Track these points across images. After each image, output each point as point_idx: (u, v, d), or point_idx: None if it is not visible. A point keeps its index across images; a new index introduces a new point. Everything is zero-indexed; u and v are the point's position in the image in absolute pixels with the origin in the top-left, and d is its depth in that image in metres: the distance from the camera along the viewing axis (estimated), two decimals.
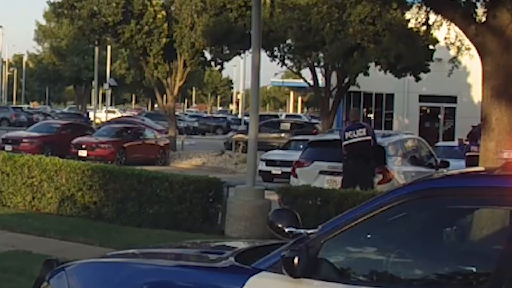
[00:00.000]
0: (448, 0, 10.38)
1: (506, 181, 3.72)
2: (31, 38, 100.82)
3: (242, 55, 34.63)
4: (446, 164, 15.24)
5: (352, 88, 33.34)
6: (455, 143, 27.25)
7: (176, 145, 33.33)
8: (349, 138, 13.46)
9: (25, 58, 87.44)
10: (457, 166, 15.90)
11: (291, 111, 77.36)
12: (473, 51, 11.24)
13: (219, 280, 4.05)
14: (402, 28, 26.36)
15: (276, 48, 31.07)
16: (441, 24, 11.86)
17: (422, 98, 43.05)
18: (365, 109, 44.52)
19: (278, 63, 31.29)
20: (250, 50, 13.82)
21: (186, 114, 73.46)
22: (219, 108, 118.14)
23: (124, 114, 64.06)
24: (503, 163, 3.92)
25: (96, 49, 43.93)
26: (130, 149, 27.51)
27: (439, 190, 3.80)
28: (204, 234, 11.07)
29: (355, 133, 13.46)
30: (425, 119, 44.20)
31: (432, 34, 23.49)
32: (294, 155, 17.82)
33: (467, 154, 18.59)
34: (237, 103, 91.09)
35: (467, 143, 20.02)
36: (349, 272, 3.79)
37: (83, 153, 26.20)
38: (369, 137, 13.45)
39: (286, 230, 3.92)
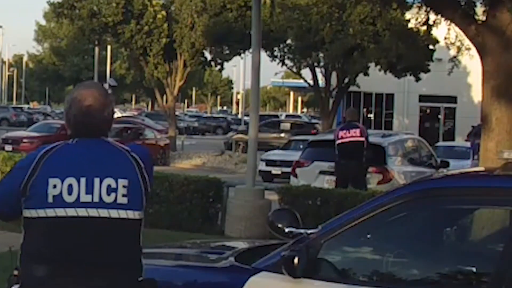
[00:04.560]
0: (448, 0, 10.38)
1: (506, 181, 3.73)
2: (31, 38, 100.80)
3: (242, 55, 34.65)
4: (446, 164, 15.24)
5: (352, 88, 33.34)
6: (455, 143, 27.28)
7: (176, 145, 33.32)
8: (342, 138, 13.42)
9: (25, 58, 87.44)
10: (457, 166, 15.90)
11: (291, 111, 77.36)
12: (473, 51, 11.24)
13: (219, 280, 4.05)
14: (402, 28, 26.39)
15: (276, 48, 31.08)
16: (440, 22, 11.83)
17: (422, 98, 43.05)
18: (365, 109, 44.53)
19: (278, 63, 31.32)
20: (250, 50, 13.82)
21: (186, 114, 73.46)
22: (219, 108, 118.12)
23: (124, 114, 64.08)
24: (503, 163, 3.92)
25: (96, 49, 43.93)
26: None
27: (439, 190, 3.80)
28: (204, 234, 11.06)
29: (349, 132, 13.38)
30: (425, 119, 44.20)
31: (432, 34, 23.50)
32: (294, 155, 17.81)
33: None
34: (237, 103, 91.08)
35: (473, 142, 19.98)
36: (349, 272, 3.80)
37: None
38: (362, 138, 13.35)
39: (286, 230, 3.92)
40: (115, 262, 3.17)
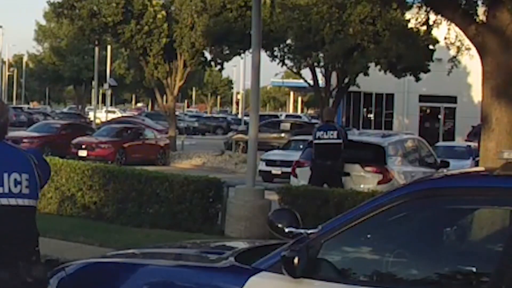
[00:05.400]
0: (448, 0, 10.37)
1: (506, 181, 3.72)
2: (31, 38, 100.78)
3: (242, 55, 34.63)
4: (446, 164, 15.24)
5: (352, 88, 33.36)
6: (455, 143, 27.27)
7: (176, 145, 33.32)
8: (319, 138, 13.43)
9: (25, 58, 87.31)
10: (457, 166, 15.91)
11: (291, 111, 77.33)
12: (473, 51, 11.23)
13: (219, 280, 4.05)
14: (402, 28, 26.39)
15: (276, 48, 31.09)
16: (441, 22, 11.82)
17: (422, 98, 43.05)
18: (365, 109, 44.55)
19: (278, 63, 31.32)
20: (250, 50, 13.81)
21: (186, 114, 73.44)
22: (219, 108, 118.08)
23: (124, 114, 64.05)
24: (503, 163, 3.92)
25: (96, 49, 43.86)
26: (130, 149, 27.50)
27: (439, 190, 3.80)
28: (204, 234, 11.05)
29: (326, 134, 13.37)
30: (425, 119, 44.22)
31: (432, 34, 23.49)
32: (294, 155, 17.81)
33: None
34: (237, 103, 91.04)
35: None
36: (349, 272, 3.79)
37: (83, 153, 26.18)
38: (339, 140, 13.31)
39: (286, 230, 3.92)
40: (23, 238, 3.97)
